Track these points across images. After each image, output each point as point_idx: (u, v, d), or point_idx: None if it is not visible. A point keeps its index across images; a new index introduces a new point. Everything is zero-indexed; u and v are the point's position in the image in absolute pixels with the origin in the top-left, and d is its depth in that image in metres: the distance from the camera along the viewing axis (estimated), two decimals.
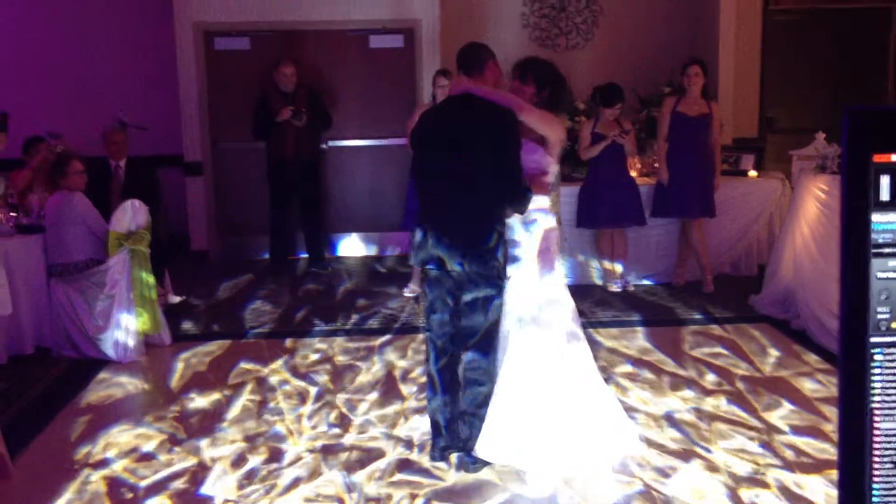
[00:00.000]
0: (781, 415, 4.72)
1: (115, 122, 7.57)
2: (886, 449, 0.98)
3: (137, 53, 9.53)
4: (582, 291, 7.48)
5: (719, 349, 5.88)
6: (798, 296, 6.29)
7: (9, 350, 5.91)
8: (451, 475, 3.99)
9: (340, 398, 5.04)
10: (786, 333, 6.19)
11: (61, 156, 6.44)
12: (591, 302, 7.16)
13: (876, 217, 0.95)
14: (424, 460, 4.16)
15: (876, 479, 0.99)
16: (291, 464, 4.18)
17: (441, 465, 4.08)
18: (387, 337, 6.27)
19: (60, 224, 6.06)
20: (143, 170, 7.44)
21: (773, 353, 5.77)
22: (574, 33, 9.54)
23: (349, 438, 4.46)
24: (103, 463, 4.28)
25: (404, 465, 4.13)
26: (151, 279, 6.12)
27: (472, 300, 3.96)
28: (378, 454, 4.25)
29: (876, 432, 0.98)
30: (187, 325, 6.74)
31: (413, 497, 3.83)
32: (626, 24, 9.50)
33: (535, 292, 4.06)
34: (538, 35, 9.47)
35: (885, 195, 0.94)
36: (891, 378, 0.98)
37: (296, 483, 3.97)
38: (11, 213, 6.36)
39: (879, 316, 0.97)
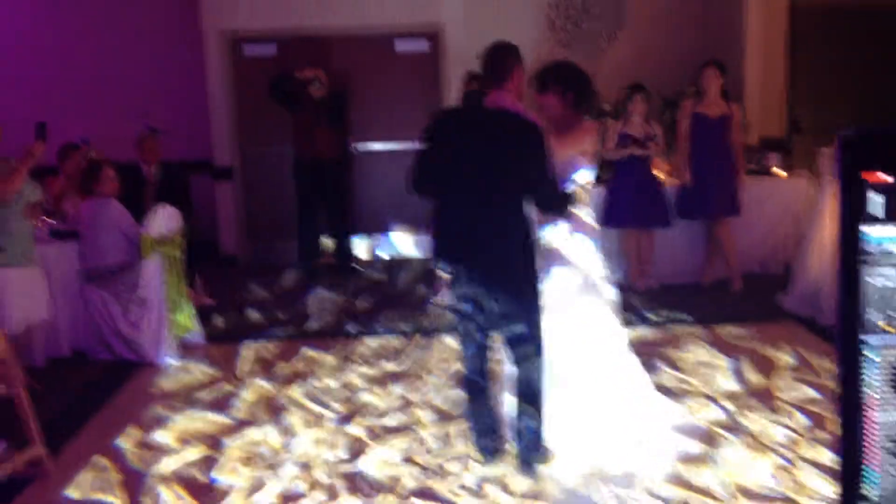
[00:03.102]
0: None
1: (147, 128, 7.71)
2: (878, 435, 1.08)
3: (167, 60, 9.67)
4: None
5: (746, 346, 5.91)
6: (824, 293, 6.30)
7: (46, 352, 6.06)
8: (469, 502, 3.88)
9: (358, 421, 4.85)
10: (812, 331, 6.20)
11: (93, 162, 6.59)
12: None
13: (867, 230, 1.04)
14: (443, 487, 4.03)
15: (871, 465, 1.09)
16: (307, 492, 4.02)
17: (460, 492, 3.97)
18: (410, 348, 6.27)
19: (95, 229, 6.19)
20: (175, 175, 7.56)
21: (796, 351, 5.79)
22: (599, 36, 9.56)
23: (366, 464, 4.30)
24: (137, 461, 4.41)
25: (422, 492, 3.98)
26: (184, 282, 6.25)
27: (515, 312, 4.01)
28: (395, 480, 4.11)
29: (870, 423, 1.08)
30: (219, 328, 6.86)
31: None
32: (651, 26, 9.50)
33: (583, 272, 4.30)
34: (563, 37, 9.49)
35: (874, 210, 1.04)
36: (883, 374, 1.06)
37: None
38: (47, 220, 6.49)
39: (871, 318, 1.05)
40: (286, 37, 9.19)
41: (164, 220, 6.16)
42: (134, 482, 4.17)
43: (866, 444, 1.08)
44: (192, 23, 9.19)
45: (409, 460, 4.33)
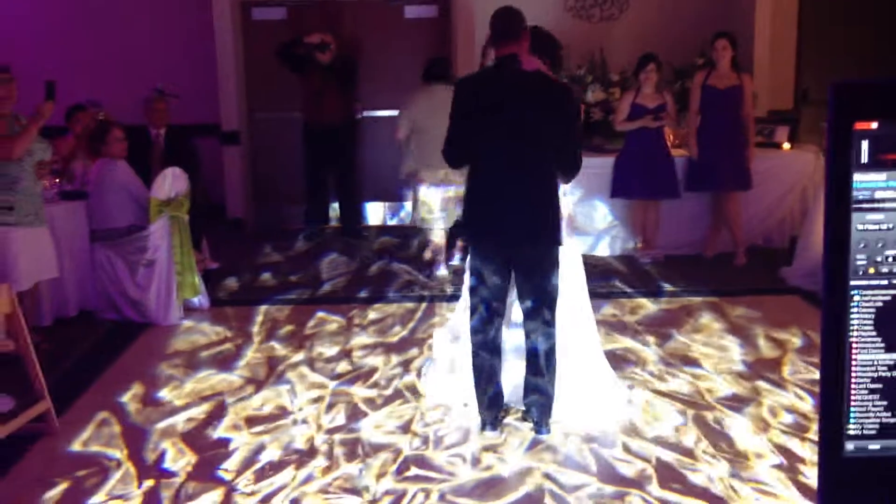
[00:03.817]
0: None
1: (155, 91, 7.71)
2: (862, 377, 1.18)
3: (176, 23, 9.65)
4: (614, 262, 7.57)
5: (749, 320, 5.93)
6: None
7: (54, 312, 6.12)
8: (465, 471, 3.89)
9: (360, 387, 4.87)
10: (816, 305, 6.22)
11: (102, 124, 6.61)
12: (622, 272, 7.23)
13: (856, 177, 1.10)
14: (438, 456, 4.02)
15: (853, 403, 1.18)
16: (307, 456, 4.02)
17: (455, 461, 3.97)
18: (413, 317, 6.25)
19: (103, 191, 6.23)
20: (182, 138, 7.58)
21: (799, 326, 5.82)
22: (609, 4, 9.48)
23: (366, 430, 4.31)
24: (142, 418, 4.48)
25: (419, 461, 3.98)
26: (190, 245, 6.29)
27: (537, 277, 4.06)
28: (393, 449, 4.10)
29: (854, 363, 1.17)
30: (225, 290, 6.91)
31: (427, 493, 3.68)
32: None
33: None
34: (573, 5, 9.42)
35: (864, 158, 1.10)
36: (867, 316, 1.16)
37: (311, 476, 3.84)
38: (55, 180, 6.53)
39: (858, 262, 1.14)
40: (295, 1, 9.16)
41: (171, 182, 6.19)
42: (138, 438, 4.24)
43: (847, 383, 1.16)
44: None
45: (407, 429, 4.33)
